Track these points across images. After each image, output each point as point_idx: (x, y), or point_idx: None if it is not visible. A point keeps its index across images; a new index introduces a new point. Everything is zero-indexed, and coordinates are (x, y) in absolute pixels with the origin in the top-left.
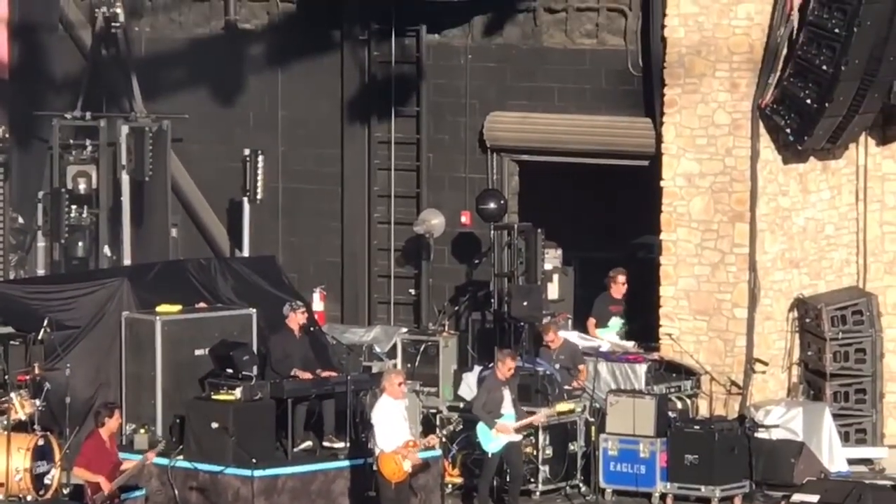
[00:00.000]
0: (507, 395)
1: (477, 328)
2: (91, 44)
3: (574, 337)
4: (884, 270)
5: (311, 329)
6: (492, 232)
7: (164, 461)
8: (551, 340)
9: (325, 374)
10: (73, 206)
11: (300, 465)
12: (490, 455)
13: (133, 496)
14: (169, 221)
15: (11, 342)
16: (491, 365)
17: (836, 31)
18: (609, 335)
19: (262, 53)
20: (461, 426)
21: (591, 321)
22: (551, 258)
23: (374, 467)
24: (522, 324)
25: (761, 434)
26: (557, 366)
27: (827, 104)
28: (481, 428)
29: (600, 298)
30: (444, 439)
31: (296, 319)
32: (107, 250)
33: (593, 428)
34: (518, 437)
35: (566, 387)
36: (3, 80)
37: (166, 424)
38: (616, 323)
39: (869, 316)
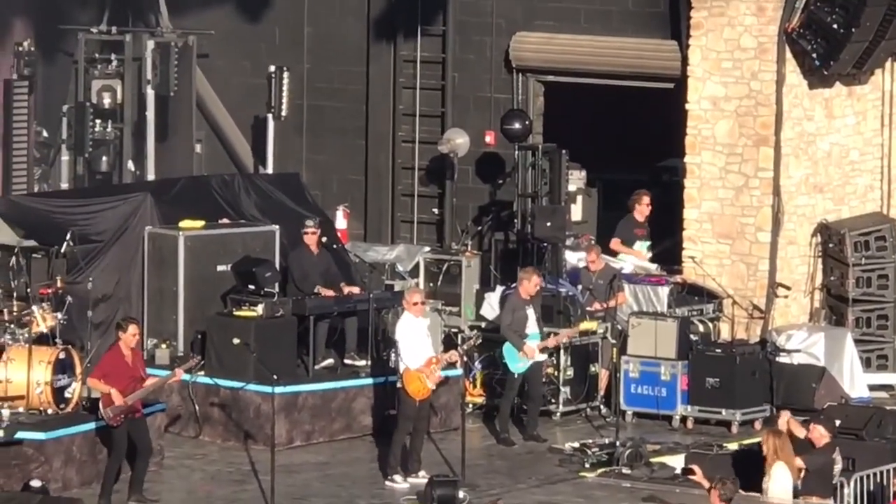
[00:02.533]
0: (532, 314)
1: (500, 248)
2: None
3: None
4: None
5: (335, 246)
6: (516, 152)
7: (185, 377)
8: (592, 261)
9: (348, 289)
10: (98, 121)
11: (321, 383)
12: (515, 375)
13: (153, 410)
14: (193, 137)
15: (34, 255)
16: (514, 285)
17: None
18: (632, 258)
19: None
20: (480, 342)
21: (616, 241)
22: (575, 179)
23: (398, 384)
24: (545, 244)
25: (782, 358)
26: (581, 288)
27: (853, 29)
28: (507, 348)
29: (625, 220)
30: (465, 357)
31: (307, 237)
32: (131, 165)
33: (615, 350)
34: (543, 357)
35: (589, 308)
36: None
37: (188, 340)
38: (641, 246)
39: (892, 242)
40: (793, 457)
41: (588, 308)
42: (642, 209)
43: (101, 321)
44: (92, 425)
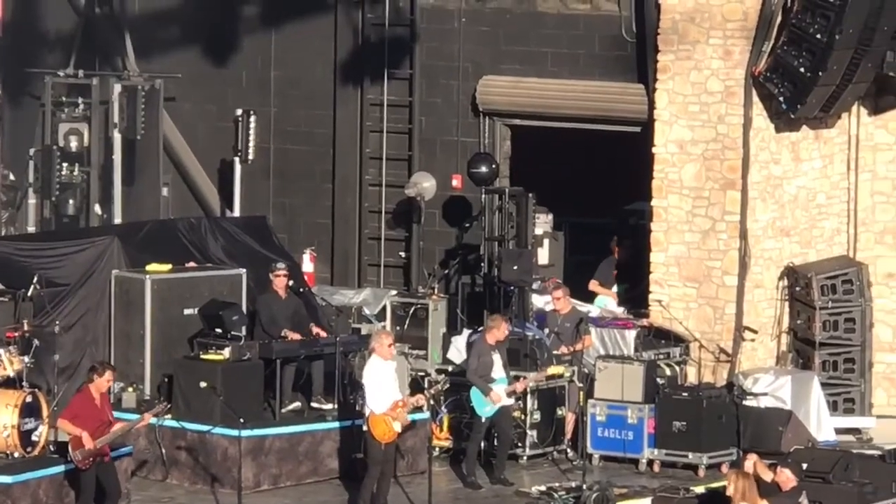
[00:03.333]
0: (498, 359)
1: (466, 292)
2: (84, 1)
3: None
4: (874, 240)
5: (301, 290)
6: (483, 196)
7: (152, 420)
8: (558, 298)
9: (316, 331)
10: (65, 164)
11: (288, 426)
12: (483, 419)
13: (120, 454)
14: (160, 180)
15: (1, 298)
16: (480, 329)
17: (831, 0)
18: (610, 300)
19: (256, 13)
20: (447, 386)
21: (595, 282)
22: (542, 223)
23: (364, 428)
24: (512, 288)
25: (749, 402)
26: (546, 331)
27: (820, 73)
28: (474, 392)
29: (606, 262)
30: (431, 401)
31: (275, 281)
32: (97, 208)
33: (581, 393)
34: (510, 402)
35: (556, 352)
36: None
37: (154, 383)
38: (619, 289)
39: (859, 285)
40: (758, 499)
41: (555, 351)
42: (624, 251)
43: (68, 365)
44: (59, 468)
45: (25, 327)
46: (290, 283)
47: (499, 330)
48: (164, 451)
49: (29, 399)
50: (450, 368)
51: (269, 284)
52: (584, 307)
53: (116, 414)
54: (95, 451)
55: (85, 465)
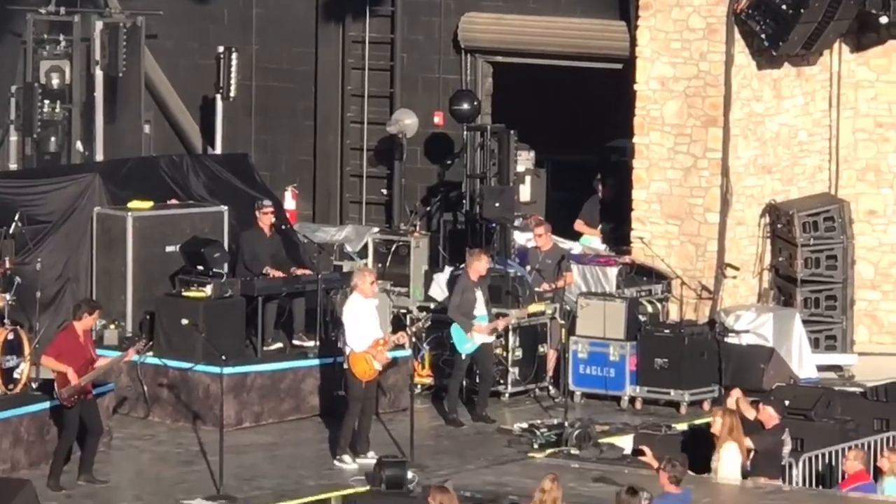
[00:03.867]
0: (480, 295)
1: (448, 229)
2: None
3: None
4: (856, 177)
5: (283, 227)
6: (465, 133)
7: (134, 358)
8: (539, 235)
9: (299, 271)
10: (46, 101)
11: (270, 363)
12: (463, 356)
13: (102, 391)
14: (142, 118)
15: None
16: (462, 266)
17: None
18: (596, 239)
19: None
20: (429, 324)
21: (580, 222)
22: (524, 160)
23: (345, 366)
24: (494, 225)
25: (731, 339)
26: (528, 268)
27: (802, 10)
28: (455, 329)
29: (591, 201)
30: (413, 339)
31: (261, 218)
32: (79, 146)
33: (563, 330)
34: (491, 339)
35: (538, 289)
36: None
37: (136, 321)
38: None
39: (840, 222)
40: (743, 437)
41: (536, 288)
42: (608, 189)
43: (49, 302)
44: (40, 406)
45: (7, 264)
46: (274, 220)
47: (479, 263)
48: (145, 388)
49: (10, 336)
50: (431, 306)
51: (253, 221)
52: (565, 244)
53: (99, 351)
54: (80, 389)
55: (70, 402)
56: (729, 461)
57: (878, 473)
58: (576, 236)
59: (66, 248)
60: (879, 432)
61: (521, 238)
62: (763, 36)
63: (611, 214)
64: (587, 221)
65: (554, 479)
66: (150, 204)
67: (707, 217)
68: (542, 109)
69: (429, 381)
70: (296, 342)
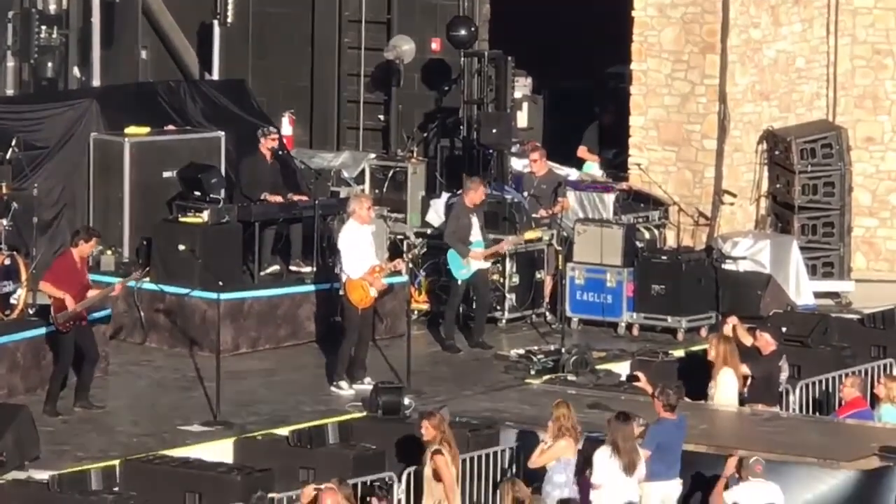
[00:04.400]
0: (476, 222)
1: (445, 155)
2: None
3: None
4: (854, 104)
5: (280, 153)
6: (462, 59)
7: (130, 283)
8: (535, 161)
9: (296, 197)
10: (43, 27)
11: (266, 289)
12: (459, 282)
13: (98, 317)
14: (139, 43)
15: None
16: (459, 192)
17: None
18: (597, 166)
19: None
20: (425, 250)
21: (583, 148)
22: (521, 86)
23: (341, 292)
24: (491, 151)
25: (728, 265)
26: (526, 194)
27: None
28: (451, 255)
29: (592, 128)
30: (410, 264)
31: (266, 144)
32: (76, 71)
33: (560, 256)
34: (487, 265)
35: (535, 215)
36: None
37: (133, 246)
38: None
39: (838, 149)
40: (739, 364)
41: (533, 214)
42: (609, 116)
43: (46, 227)
44: (36, 332)
45: (4, 190)
46: (271, 147)
47: (476, 193)
48: (142, 314)
49: (7, 262)
50: (428, 231)
51: (255, 147)
52: (562, 171)
53: (95, 277)
54: (76, 315)
55: (66, 328)
56: (725, 388)
57: (874, 400)
58: (574, 163)
59: (63, 174)
60: (876, 359)
61: (518, 165)
62: None
63: (612, 141)
64: (589, 148)
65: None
66: (146, 130)
67: (704, 144)
68: (539, 36)
69: (425, 307)
70: (292, 268)
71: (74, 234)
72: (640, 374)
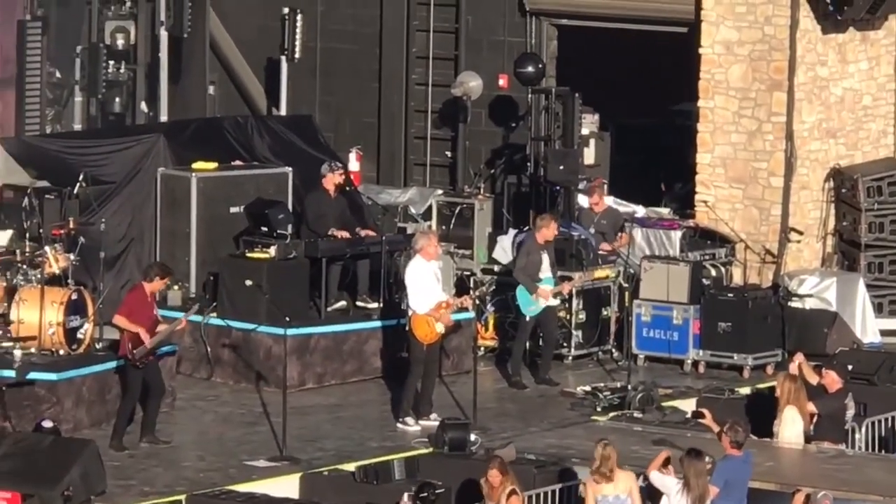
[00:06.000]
0: (546, 258)
1: (512, 191)
2: None
3: (610, 202)
4: None
5: (347, 189)
6: (529, 96)
7: (197, 318)
8: (596, 203)
9: (364, 233)
10: (111, 62)
11: (333, 325)
12: (527, 318)
13: (164, 352)
14: (206, 79)
15: (47, 196)
16: (527, 228)
17: None
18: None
19: None
20: (493, 287)
21: None
22: (588, 123)
23: (407, 328)
24: (558, 187)
25: (795, 303)
26: (592, 230)
27: None
28: (520, 291)
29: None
30: (477, 301)
31: (332, 179)
32: (143, 106)
33: (627, 293)
34: (556, 302)
35: (600, 251)
36: None
37: (200, 281)
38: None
39: None
40: (806, 402)
41: (600, 251)
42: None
43: (113, 262)
44: (103, 366)
45: (71, 225)
46: (337, 182)
47: (548, 229)
48: (209, 349)
49: (74, 296)
50: (495, 268)
51: (319, 182)
52: (628, 207)
53: (162, 312)
54: (150, 349)
55: (143, 363)
56: (790, 426)
57: None
58: (639, 200)
59: (130, 209)
60: None
61: (584, 201)
62: (828, 0)
63: (668, 176)
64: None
65: (607, 444)
66: (214, 165)
67: (771, 181)
68: (606, 73)
69: (492, 343)
70: (359, 304)
71: (149, 268)
72: (706, 412)
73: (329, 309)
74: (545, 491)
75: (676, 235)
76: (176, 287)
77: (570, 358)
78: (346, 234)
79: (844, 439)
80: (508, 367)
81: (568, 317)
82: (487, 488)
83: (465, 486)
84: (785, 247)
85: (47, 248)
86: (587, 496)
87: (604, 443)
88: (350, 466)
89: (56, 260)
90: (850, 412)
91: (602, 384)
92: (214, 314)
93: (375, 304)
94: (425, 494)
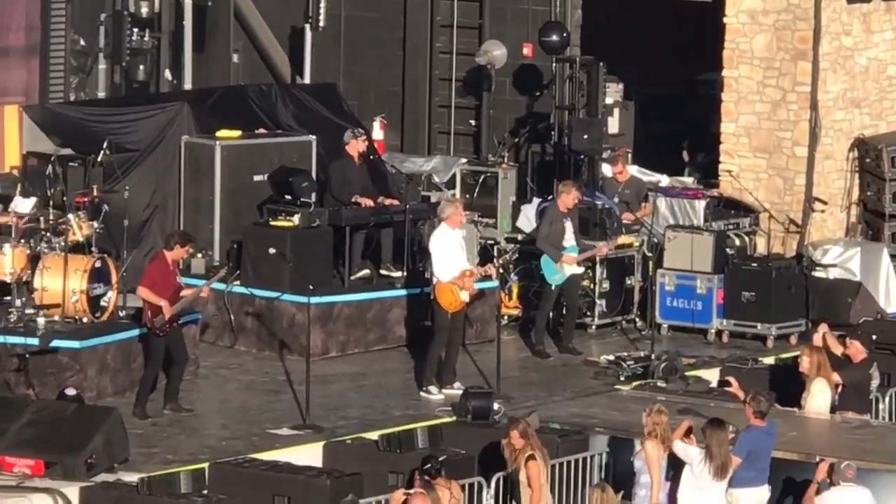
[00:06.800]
0: (569, 226)
1: (536, 160)
2: None
3: (634, 171)
4: None
5: (371, 157)
6: (553, 65)
7: (220, 286)
8: (619, 172)
9: (388, 201)
10: (135, 30)
11: (356, 293)
12: (552, 287)
13: (188, 320)
14: (230, 47)
15: (71, 164)
16: (550, 197)
17: None
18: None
19: None
20: (517, 255)
21: None
22: (612, 92)
23: (431, 296)
24: (582, 157)
25: (819, 273)
26: (616, 199)
27: None
28: (545, 260)
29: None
30: (500, 270)
31: (356, 146)
32: (167, 74)
33: (651, 263)
34: (580, 270)
35: (624, 221)
36: None
37: (223, 249)
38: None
39: None
40: (831, 372)
41: (624, 220)
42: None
43: (137, 230)
44: (127, 334)
45: (95, 192)
46: (364, 150)
47: (569, 196)
48: (232, 317)
49: (98, 264)
50: (519, 237)
51: (343, 149)
52: (653, 177)
53: (185, 280)
54: (172, 318)
55: (163, 332)
56: (819, 398)
57: None
58: (663, 169)
59: (154, 177)
60: None
61: (608, 170)
62: None
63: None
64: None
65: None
66: (238, 133)
67: (795, 151)
68: (631, 42)
69: (516, 312)
70: (383, 272)
71: (169, 236)
72: (733, 380)
73: (352, 277)
74: (568, 460)
75: (700, 205)
76: (199, 255)
77: (594, 327)
78: (369, 203)
79: (868, 409)
80: (532, 335)
81: (592, 286)
82: (509, 451)
83: (488, 454)
84: (809, 216)
85: (71, 216)
86: (652, 460)
87: (658, 408)
88: (373, 435)
89: (80, 228)
90: (875, 382)
91: (625, 353)
92: (238, 282)
93: (399, 273)
94: (429, 466)
